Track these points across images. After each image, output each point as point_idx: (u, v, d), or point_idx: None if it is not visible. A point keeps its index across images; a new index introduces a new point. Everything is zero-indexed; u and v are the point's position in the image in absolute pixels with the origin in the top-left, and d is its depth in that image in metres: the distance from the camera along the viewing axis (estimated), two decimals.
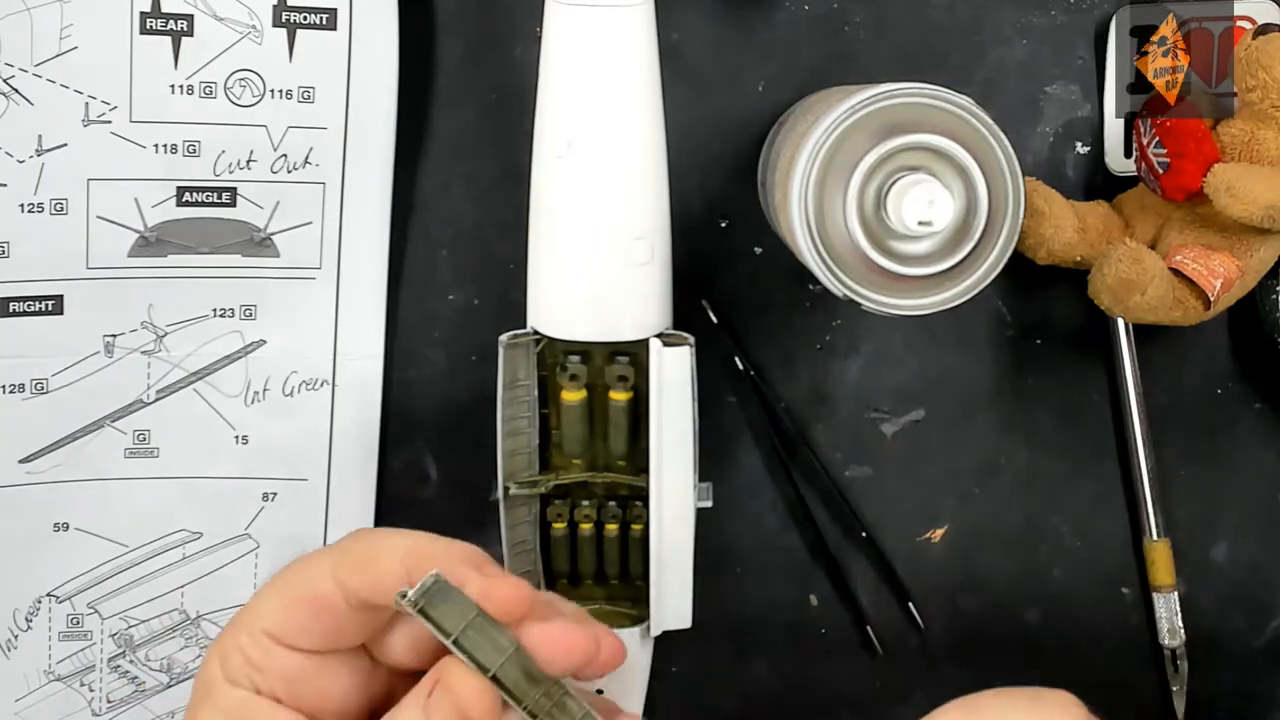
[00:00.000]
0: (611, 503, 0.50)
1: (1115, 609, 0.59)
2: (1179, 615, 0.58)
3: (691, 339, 0.45)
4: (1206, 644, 0.59)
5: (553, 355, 0.47)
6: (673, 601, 0.47)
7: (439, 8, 0.53)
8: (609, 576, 0.51)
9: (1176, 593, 0.58)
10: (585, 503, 0.50)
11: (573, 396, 0.47)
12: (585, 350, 0.47)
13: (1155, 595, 0.58)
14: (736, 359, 0.55)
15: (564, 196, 0.44)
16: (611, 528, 0.49)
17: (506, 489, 0.48)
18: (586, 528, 0.49)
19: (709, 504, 0.48)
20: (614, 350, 0.46)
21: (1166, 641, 0.58)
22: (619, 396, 0.46)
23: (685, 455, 0.45)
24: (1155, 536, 0.58)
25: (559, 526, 0.50)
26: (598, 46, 0.42)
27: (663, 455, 0.45)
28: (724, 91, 0.54)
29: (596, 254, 0.44)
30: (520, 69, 0.52)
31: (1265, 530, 0.60)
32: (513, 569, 0.49)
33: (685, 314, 0.54)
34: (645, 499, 0.47)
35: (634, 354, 0.47)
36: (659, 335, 0.45)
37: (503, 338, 0.46)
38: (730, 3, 0.54)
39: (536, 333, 0.47)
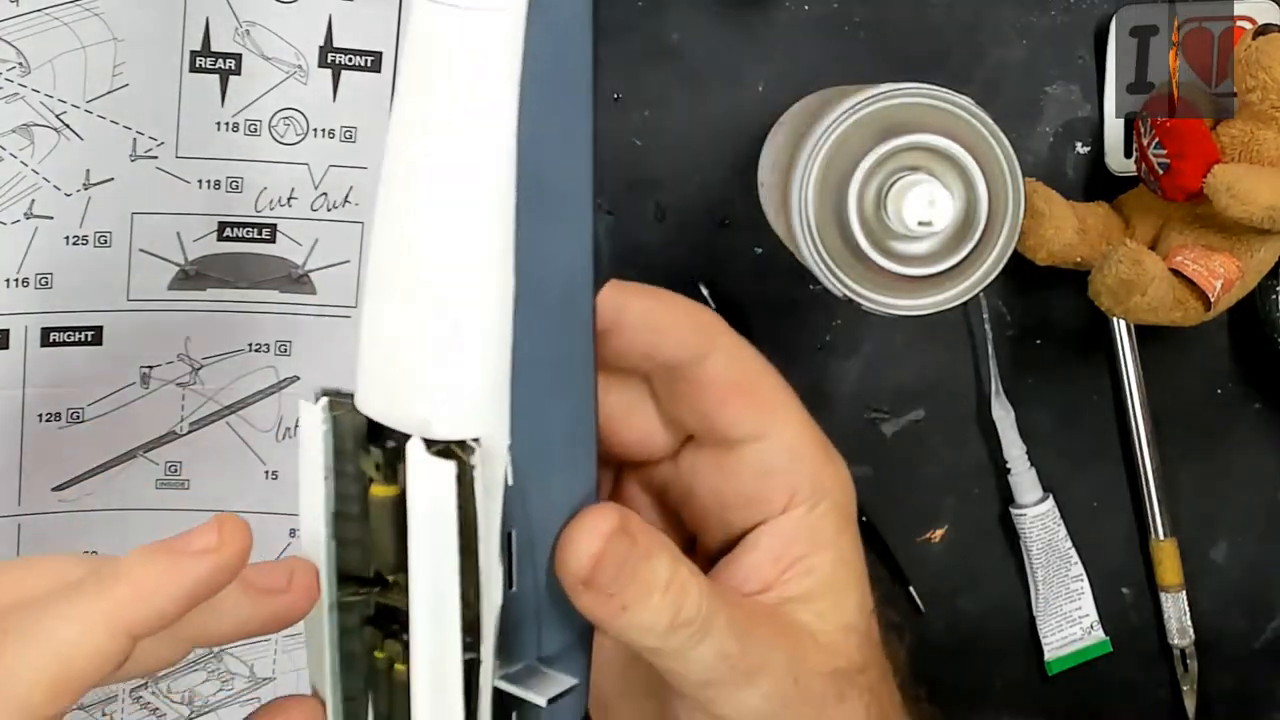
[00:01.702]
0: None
1: (1116, 609, 0.59)
2: (1188, 614, 0.58)
3: (472, 457, 0.28)
4: (1207, 644, 0.59)
5: (357, 436, 0.31)
6: None
7: None
8: None
9: (1184, 592, 0.58)
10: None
11: (380, 492, 0.29)
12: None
13: (1163, 595, 0.58)
14: None
15: (377, 236, 0.29)
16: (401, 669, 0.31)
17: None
18: (401, 669, 0.30)
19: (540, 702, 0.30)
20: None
21: (1176, 641, 0.58)
22: (378, 492, 0.29)
23: (445, 613, 0.28)
24: (1161, 536, 0.58)
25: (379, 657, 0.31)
26: (438, 54, 0.27)
27: (419, 605, 0.28)
28: (724, 91, 0.54)
29: (390, 315, 0.28)
30: None
31: (1265, 530, 0.60)
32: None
33: None
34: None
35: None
36: (429, 441, 0.28)
37: (321, 399, 0.29)
38: (730, 3, 0.54)
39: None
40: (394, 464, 0.28)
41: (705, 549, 0.35)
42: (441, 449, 0.28)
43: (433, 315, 0.27)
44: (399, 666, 0.29)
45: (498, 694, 0.29)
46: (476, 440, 0.27)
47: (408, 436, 0.28)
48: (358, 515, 0.29)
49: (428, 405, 0.28)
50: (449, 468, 0.27)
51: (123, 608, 0.26)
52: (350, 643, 0.30)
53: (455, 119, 0.27)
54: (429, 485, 0.27)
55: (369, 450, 0.29)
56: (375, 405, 0.28)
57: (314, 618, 0.29)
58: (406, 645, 0.28)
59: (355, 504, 0.29)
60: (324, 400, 0.29)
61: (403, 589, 0.28)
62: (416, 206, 0.27)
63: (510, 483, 0.28)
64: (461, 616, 0.28)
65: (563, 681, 0.29)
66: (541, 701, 0.29)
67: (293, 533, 0.55)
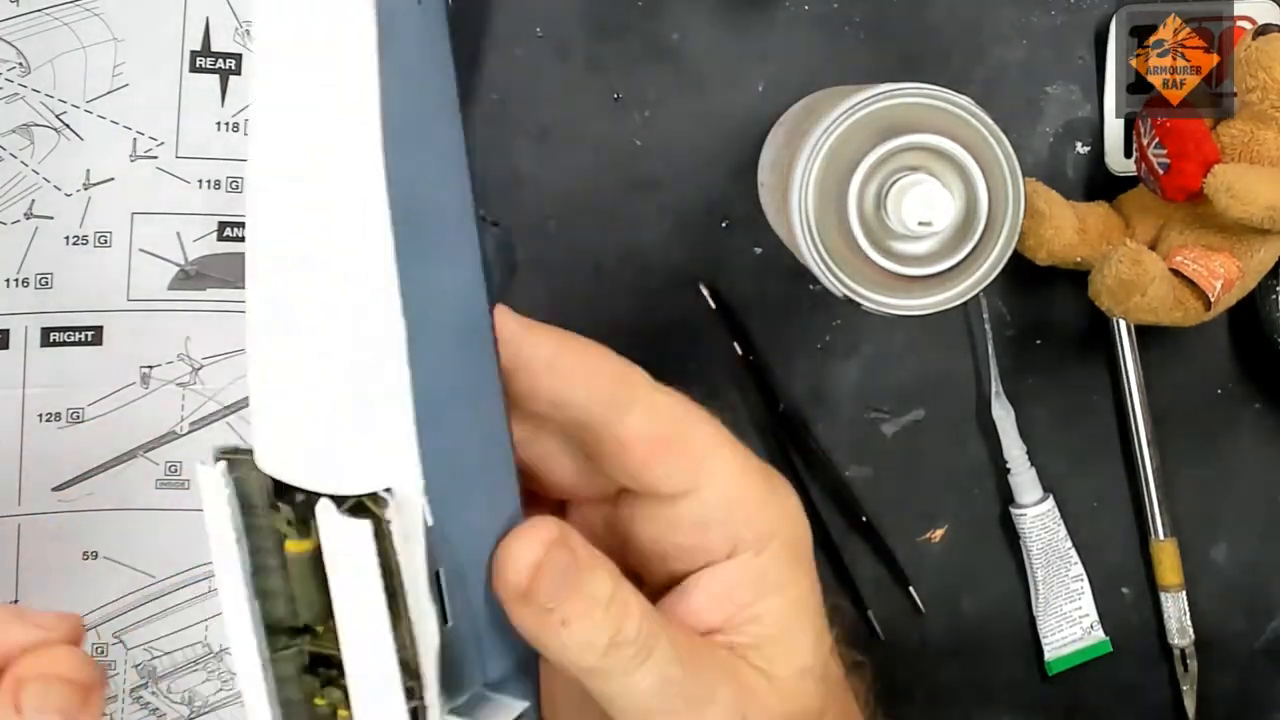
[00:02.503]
0: None
1: (1116, 609, 0.59)
2: (1188, 614, 0.58)
3: (386, 510, 0.26)
4: (1207, 644, 0.59)
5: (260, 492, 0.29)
6: None
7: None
8: None
9: (1184, 592, 0.58)
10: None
11: (295, 548, 0.28)
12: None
13: (1163, 595, 0.58)
14: (736, 345, 0.55)
15: (251, 293, 0.27)
16: None
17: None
18: (345, 715, 0.29)
19: None
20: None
21: (1176, 641, 0.58)
22: (294, 548, 0.27)
23: (381, 664, 0.26)
24: (1161, 536, 0.58)
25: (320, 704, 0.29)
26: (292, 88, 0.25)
27: (353, 659, 0.27)
28: (724, 91, 0.54)
29: (277, 373, 0.27)
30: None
31: (1265, 530, 0.60)
32: None
33: (683, 303, 0.54)
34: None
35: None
36: (337, 499, 0.26)
37: (219, 461, 0.27)
38: (730, 3, 0.54)
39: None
40: (305, 519, 0.27)
41: (649, 590, 0.32)
42: (353, 505, 0.26)
43: (323, 369, 0.26)
44: (342, 713, 0.28)
45: None
46: (389, 490, 0.26)
47: (316, 494, 0.26)
48: (277, 567, 0.28)
49: (331, 462, 0.26)
50: (363, 527, 0.26)
51: None
52: (288, 691, 0.28)
53: (314, 160, 0.25)
54: (345, 545, 0.26)
55: (278, 507, 0.27)
56: (276, 465, 0.27)
57: (249, 673, 0.28)
58: (346, 691, 0.27)
59: (273, 556, 0.28)
60: (221, 464, 0.27)
61: (334, 634, 0.27)
62: (287, 257, 0.26)
63: (430, 523, 0.26)
64: (399, 662, 0.26)
65: (513, 707, 0.28)
66: None
67: None
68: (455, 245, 0.27)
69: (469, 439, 0.28)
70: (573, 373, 0.30)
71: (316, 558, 0.27)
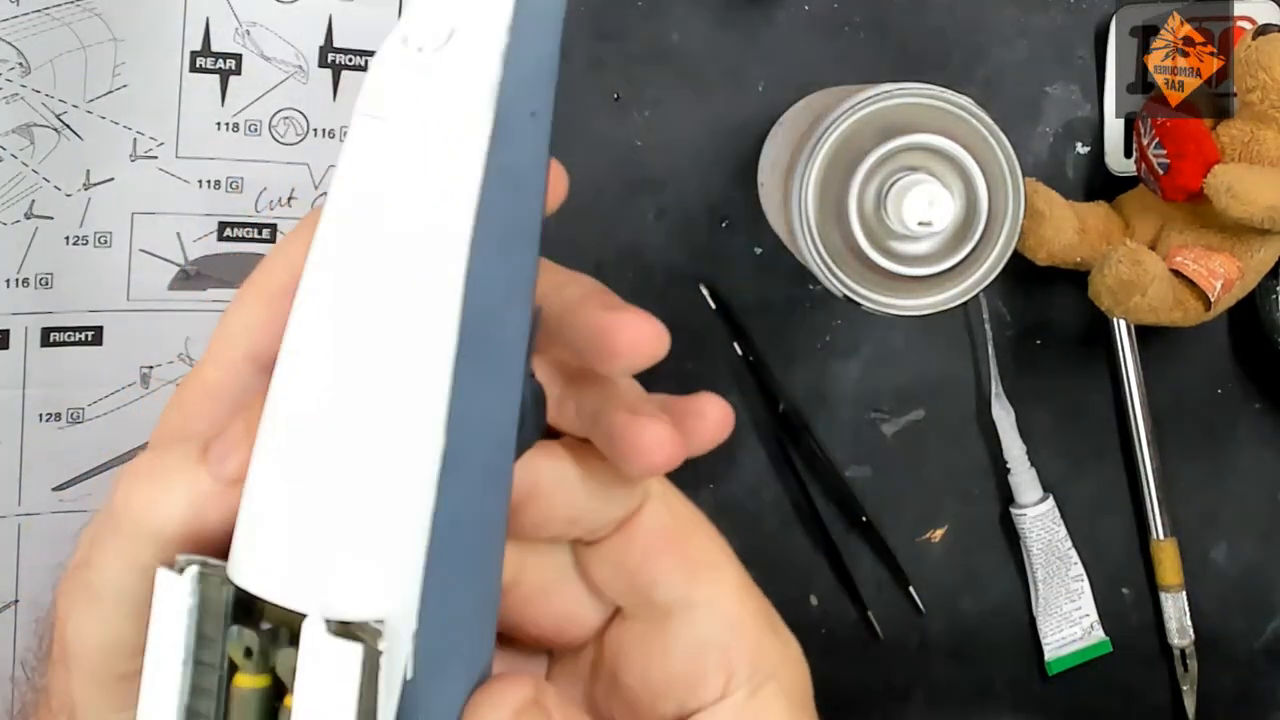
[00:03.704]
0: None
1: (1116, 609, 0.59)
2: (1188, 614, 0.58)
3: (379, 642, 0.23)
4: (1207, 644, 0.59)
5: (222, 612, 0.25)
6: None
7: None
8: None
9: (1185, 592, 0.58)
10: None
11: (247, 682, 0.24)
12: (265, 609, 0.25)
13: (1163, 595, 0.58)
14: (736, 345, 0.55)
15: (283, 372, 0.24)
16: None
17: None
18: None
19: None
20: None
21: (1176, 641, 0.58)
22: (244, 682, 0.24)
23: None
24: (1161, 536, 0.58)
25: None
26: (388, 175, 0.24)
27: None
28: (724, 91, 0.54)
29: (292, 470, 0.24)
30: None
31: (1265, 530, 0.60)
32: None
33: (683, 303, 0.54)
34: None
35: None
36: (327, 622, 0.23)
37: (189, 568, 0.24)
38: (730, 3, 0.54)
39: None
40: (266, 649, 0.23)
41: None
42: (341, 631, 0.23)
43: (344, 472, 0.23)
44: None
45: None
46: (380, 622, 0.22)
47: (292, 615, 0.23)
48: (213, 692, 0.24)
49: (331, 577, 0.23)
50: (355, 651, 0.22)
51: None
52: None
53: (394, 240, 0.23)
54: (327, 674, 0.22)
55: (238, 632, 0.23)
56: (256, 576, 0.23)
57: None
58: None
59: (210, 679, 0.24)
60: (193, 569, 0.23)
61: None
62: (335, 337, 0.23)
63: (409, 676, 0.23)
64: None
65: None
66: None
67: None
68: (506, 375, 0.25)
69: (469, 589, 0.25)
70: (583, 482, 0.28)
71: (265, 697, 0.23)
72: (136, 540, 0.25)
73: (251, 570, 0.23)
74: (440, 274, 0.23)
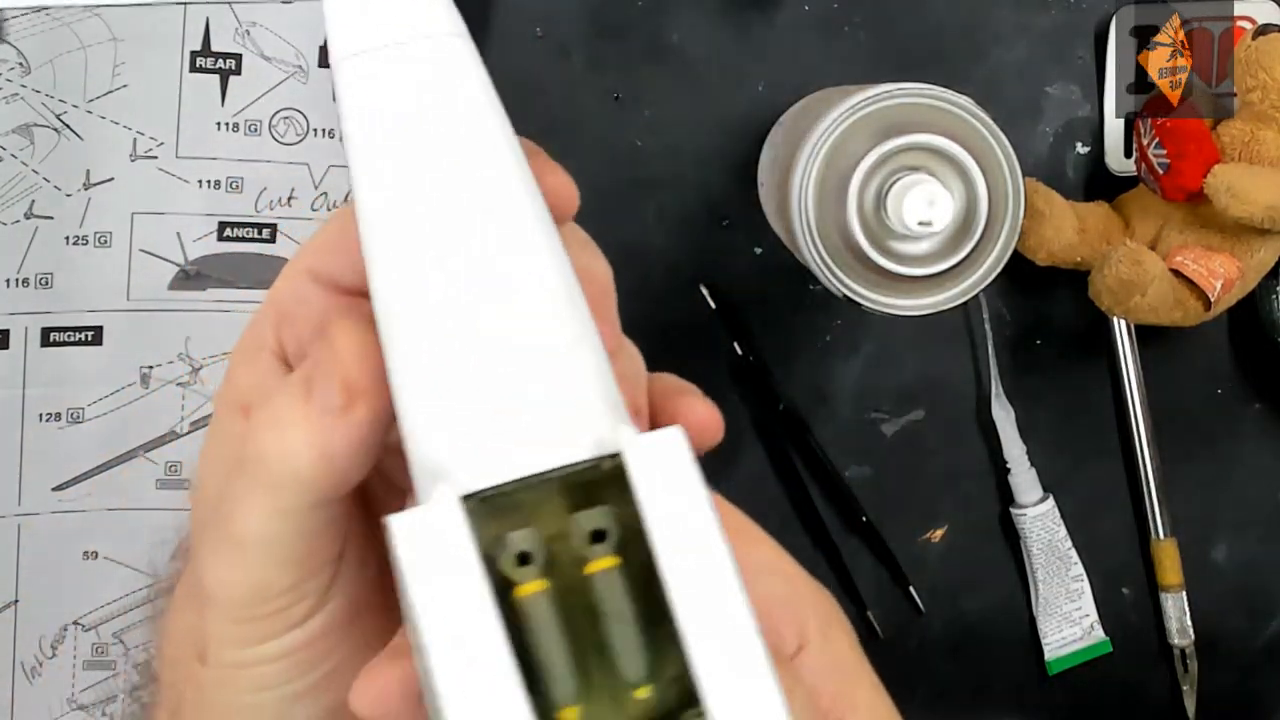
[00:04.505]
0: None
1: (1116, 609, 0.59)
2: (1188, 614, 0.58)
3: (679, 427, 0.22)
4: (1207, 644, 0.59)
5: (485, 529, 0.22)
6: None
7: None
8: None
9: (1185, 592, 0.58)
10: None
11: (532, 588, 0.22)
12: (523, 505, 0.23)
13: (1163, 595, 0.58)
14: (736, 345, 0.55)
15: (406, 306, 0.24)
16: None
17: None
18: None
19: None
20: (572, 489, 0.23)
21: (1176, 641, 0.58)
22: (601, 565, 0.22)
23: (748, 648, 0.21)
24: (1161, 536, 0.58)
25: None
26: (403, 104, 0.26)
27: (708, 657, 0.21)
28: (724, 91, 0.54)
29: (485, 352, 0.23)
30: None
31: (1265, 530, 0.60)
32: None
33: (683, 303, 0.54)
34: None
35: (601, 488, 0.23)
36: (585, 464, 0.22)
37: (451, 499, 0.21)
38: (730, 3, 0.54)
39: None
40: (524, 554, 0.21)
41: None
42: (588, 477, 0.22)
43: (519, 330, 0.23)
44: None
45: None
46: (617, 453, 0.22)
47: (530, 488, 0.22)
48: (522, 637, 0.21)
49: (564, 424, 0.22)
50: (675, 438, 0.21)
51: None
52: None
53: (446, 139, 0.25)
54: (664, 466, 0.21)
55: (515, 538, 0.21)
56: (490, 465, 0.22)
57: None
58: None
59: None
60: (454, 500, 0.21)
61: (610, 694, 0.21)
62: (439, 234, 0.24)
63: None
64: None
65: None
66: None
67: None
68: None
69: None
70: None
71: (552, 599, 0.21)
72: (278, 489, 0.26)
73: (475, 466, 0.22)
74: (494, 148, 0.25)
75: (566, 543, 0.22)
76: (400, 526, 0.21)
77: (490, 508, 0.21)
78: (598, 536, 0.22)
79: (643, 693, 0.21)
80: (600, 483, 0.22)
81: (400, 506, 0.25)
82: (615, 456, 0.22)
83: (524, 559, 0.21)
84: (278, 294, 0.30)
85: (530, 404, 0.23)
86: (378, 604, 0.30)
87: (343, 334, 0.26)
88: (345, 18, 0.26)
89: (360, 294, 0.29)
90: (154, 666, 0.31)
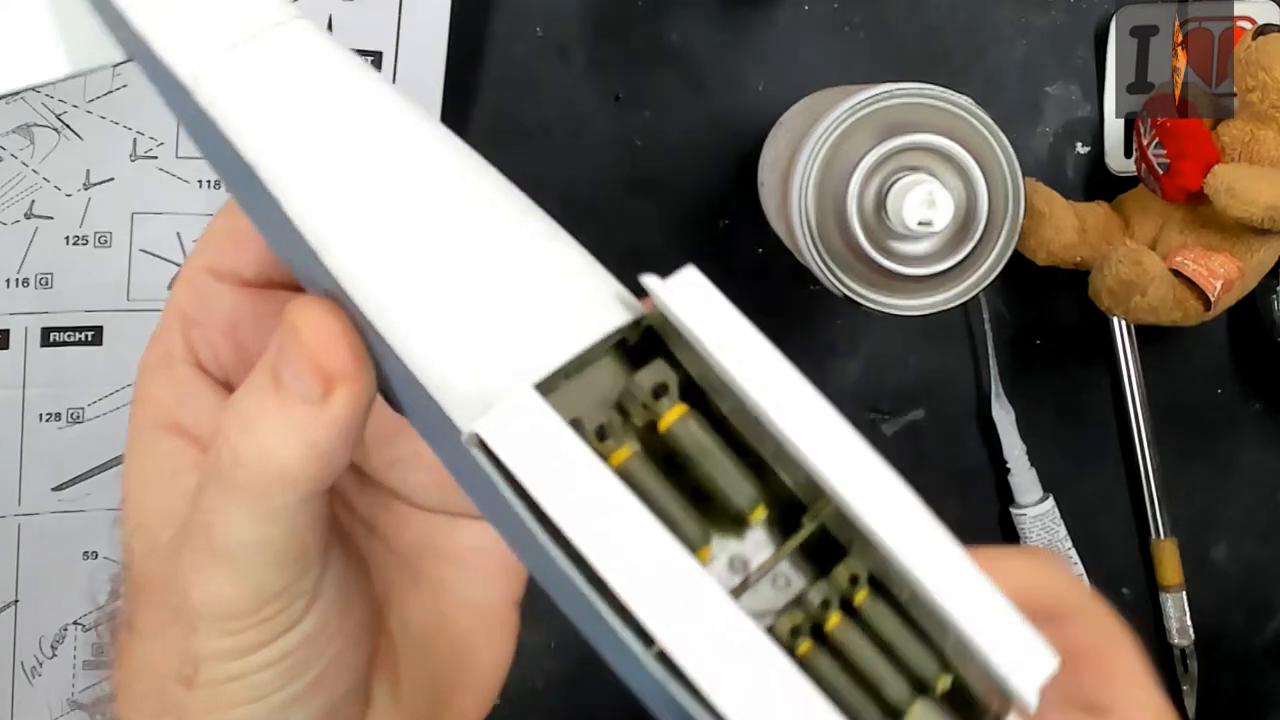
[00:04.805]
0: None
1: (1116, 609, 0.59)
2: (1188, 614, 0.58)
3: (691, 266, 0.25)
4: (1207, 644, 0.59)
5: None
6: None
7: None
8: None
9: (1184, 592, 0.58)
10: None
11: (623, 454, 0.21)
12: (581, 386, 0.23)
13: (1163, 595, 0.58)
14: None
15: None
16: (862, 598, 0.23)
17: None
18: (836, 620, 0.22)
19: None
20: (619, 359, 0.23)
21: (1176, 641, 0.58)
22: (674, 415, 0.22)
23: (844, 434, 0.24)
24: (1161, 536, 0.58)
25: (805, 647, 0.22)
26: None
27: (819, 453, 0.23)
28: (724, 91, 0.54)
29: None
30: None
31: (1265, 530, 0.60)
32: None
33: None
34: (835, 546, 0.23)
35: (642, 353, 0.24)
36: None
37: (529, 390, 0.21)
38: (730, 3, 0.54)
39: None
40: (621, 421, 0.22)
41: None
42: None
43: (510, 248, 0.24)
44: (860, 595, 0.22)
45: None
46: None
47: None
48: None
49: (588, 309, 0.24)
50: (692, 277, 0.24)
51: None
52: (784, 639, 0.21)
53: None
54: (696, 302, 0.24)
55: (579, 424, 0.21)
56: (554, 348, 0.22)
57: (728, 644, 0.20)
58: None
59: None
60: (531, 390, 0.21)
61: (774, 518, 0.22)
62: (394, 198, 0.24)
63: None
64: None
65: None
66: None
67: None
68: None
69: None
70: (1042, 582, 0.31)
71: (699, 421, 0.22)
72: (265, 492, 0.25)
73: (555, 344, 0.22)
74: (389, 96, 0.25)
75: (633, 409, 0.22)
76: (490, 432, 0.20)
77: (553, 399, 0.21)
78: (659, 391, 0.22)
79: (758, 514, 0.22)
80: (640, 348, 0.23)
81: (366, 492, 0.27)
82: (640, 321, 0.23)
83: (602, 434, 0.22)
84: (179, 301, 0.29)
85: (547, 299, 0.23)
86: (361, 591, 0.30)
87: (305, 321, 0.24)
88: (189, 33, 0.26)
89: (264, 285, 0.29)
90: (112, 709, 0.29)
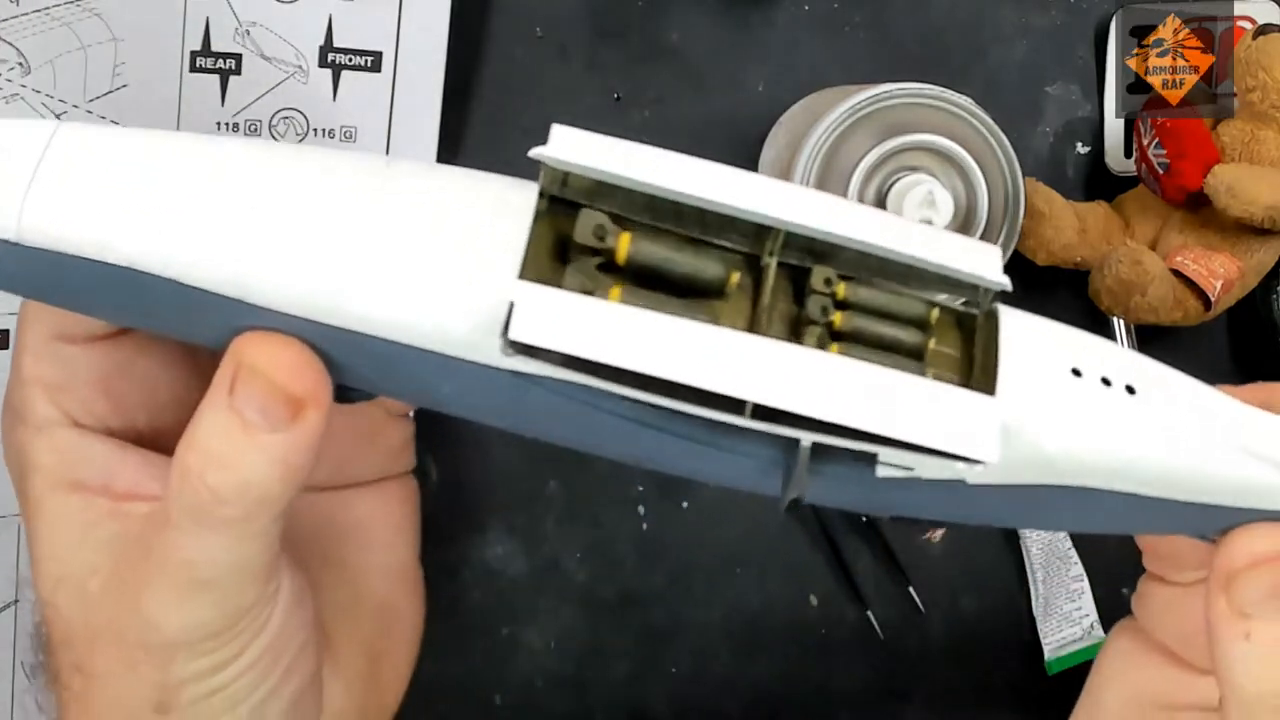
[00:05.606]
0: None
1: (1116, 609, 0.59)
2: None
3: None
4: None
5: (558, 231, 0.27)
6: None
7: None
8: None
9: None
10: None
11: (624, 241, 0.27)
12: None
13: None
14: None
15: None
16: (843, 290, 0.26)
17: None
18: (839, 317, 0.26)
19: None
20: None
21: None
22: (624, 242, 0.27)
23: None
24: None
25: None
26: None
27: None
28: (724, 91, 0.54)
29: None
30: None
31: None
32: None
33: None
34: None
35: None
36: None
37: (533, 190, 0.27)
38: (730, 3, 0.54)
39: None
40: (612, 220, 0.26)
41: None
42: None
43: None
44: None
45: None
46: None
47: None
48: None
49: None
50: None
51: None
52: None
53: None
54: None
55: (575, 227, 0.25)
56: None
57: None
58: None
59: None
60: (525, 284, 0.24)
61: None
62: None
63: None
64: None
65: None
66: None
67: None
68: None
69: None
70: None
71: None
72: (248, 517, 0.26)
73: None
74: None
75: (589, 259, 0.25)
76: (524, 333, 0.23)
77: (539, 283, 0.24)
78: (600, 233, 0.25)
79: (734, 279, 0.26)
80: (562, 213, 0.26)
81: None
82: (543, 193, 0.27)
83: (588, 289, 0.24)
84: (35, 371, 0.29)
85: (470, 220, 0.26)
86: (307, 574, 0.31)
87: (263, 357, 0.25)
88: None
89: (117, 334, 0.29)
90: None
